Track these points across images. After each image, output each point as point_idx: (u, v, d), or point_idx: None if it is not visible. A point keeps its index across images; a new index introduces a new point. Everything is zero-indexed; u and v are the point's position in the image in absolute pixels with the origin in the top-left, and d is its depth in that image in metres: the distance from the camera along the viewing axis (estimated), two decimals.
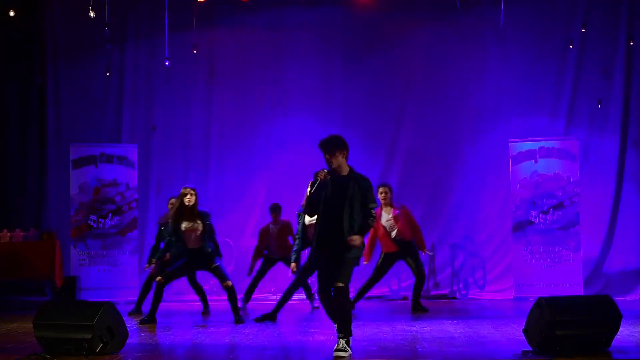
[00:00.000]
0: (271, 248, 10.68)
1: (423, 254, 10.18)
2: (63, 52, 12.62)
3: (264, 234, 10.75)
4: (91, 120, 12.67)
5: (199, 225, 9.11)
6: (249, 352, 7.14)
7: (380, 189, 10.15)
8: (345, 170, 6.77)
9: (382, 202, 10.08)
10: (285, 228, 10.65)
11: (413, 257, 10.16)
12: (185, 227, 9.10)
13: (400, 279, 11.82)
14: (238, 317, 9.13)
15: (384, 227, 10.12)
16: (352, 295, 8.36)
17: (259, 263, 10.86)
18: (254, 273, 10.74)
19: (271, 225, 10.73)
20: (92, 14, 9.57)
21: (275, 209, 10.71)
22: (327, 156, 6.73)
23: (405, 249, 10.14)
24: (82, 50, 12.50)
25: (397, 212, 10.11)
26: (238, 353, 7.09)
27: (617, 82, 12.14)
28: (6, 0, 11.72)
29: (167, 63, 11.84)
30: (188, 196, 9.07)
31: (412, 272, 10.19)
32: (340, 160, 6.73)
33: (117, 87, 12.72)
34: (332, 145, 6.72)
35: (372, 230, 9.72)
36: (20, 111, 12.86)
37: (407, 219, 10.17)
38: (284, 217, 10.80)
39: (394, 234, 10.12)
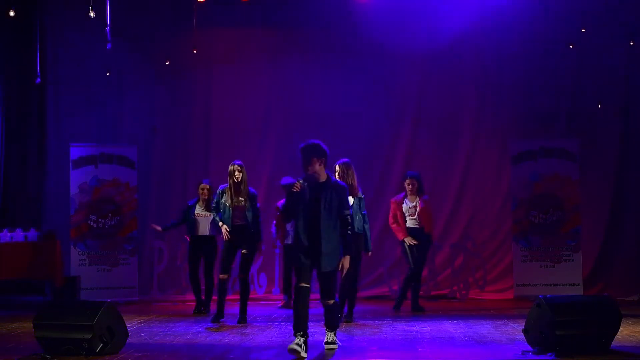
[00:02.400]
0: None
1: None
2: (63, 51, 12.62)
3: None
4: (91, 120, 12.66)
5: (245, 202, 9.15)
6: (249, 352, 7.14)
7: (408, 180, 10.32)
8: (323, 177, 6.93)
9: (409, 192, 10.24)
10: None
11: (421, 249, 10.19)
12: (231, 204, 9.11)
13: (400, 279, 11.80)
14: (243, 317, 9.06)
15: (404, 214, 10.21)
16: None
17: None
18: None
19: None
20: (92, 14, 9.56)
21: None
22: (305, 162, 6.86)
23: (418, 238, 10.17)
24: (82, 50, 12.49)
25: (422, 205, 10.20)
26: (238, 353, 7.08)
27: (617, 82, 12.14)
28: (6, 0, 11.70)
29: (166, 62, 11.85)
30: (236, 173, 9.12)
31: (410, 261, 10.17)
32: (317, 168, 6.87)
33: (117, 87, 12.71)
34: (309, 153, 6.86)
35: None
36: (20, 111, 12.85)
37: (427, 212, 10.26)
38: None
39: (411, 222, 10.18)
